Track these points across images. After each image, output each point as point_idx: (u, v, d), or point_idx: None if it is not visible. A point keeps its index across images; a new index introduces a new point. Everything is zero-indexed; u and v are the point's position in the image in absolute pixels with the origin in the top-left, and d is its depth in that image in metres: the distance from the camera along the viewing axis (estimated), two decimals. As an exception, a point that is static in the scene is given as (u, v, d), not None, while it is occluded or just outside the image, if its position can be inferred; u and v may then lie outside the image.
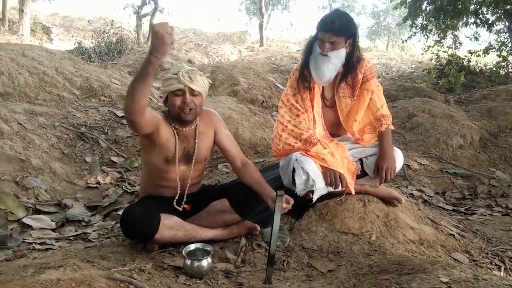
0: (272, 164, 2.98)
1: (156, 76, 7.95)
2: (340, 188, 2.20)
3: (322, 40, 2.18)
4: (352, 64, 2.27)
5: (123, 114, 4.41)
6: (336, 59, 2.20)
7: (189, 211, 2.17)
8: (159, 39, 1.65)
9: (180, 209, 2.18)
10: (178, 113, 2.01)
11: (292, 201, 1.92)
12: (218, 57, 13.51)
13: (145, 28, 16.20)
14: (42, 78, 4.53)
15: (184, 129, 2.10)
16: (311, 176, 2.09)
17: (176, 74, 1.95)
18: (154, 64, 1.72)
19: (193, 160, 2.15)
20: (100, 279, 1.54)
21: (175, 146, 2.08)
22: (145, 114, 1.86)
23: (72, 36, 16.63)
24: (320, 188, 2.15)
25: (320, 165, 2.16)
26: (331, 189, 2.20)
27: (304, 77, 2.30)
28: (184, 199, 2.19)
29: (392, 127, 2.37)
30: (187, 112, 2.00)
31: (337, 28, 2.13)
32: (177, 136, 2.08)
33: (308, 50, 2.30)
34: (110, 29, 12.43)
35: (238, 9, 30.83)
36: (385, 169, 2.26)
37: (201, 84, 2.01)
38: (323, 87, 2.37)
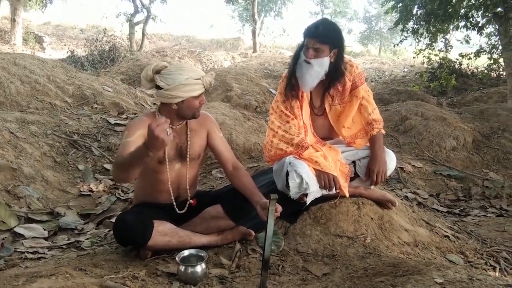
0: (266, 169, 2.97)
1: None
2: (334, 191, 2.20)
3: (307, 46, 2.20)
4: (337, 74, 2.27)
5: (116, 122, 4.40)
6: (319, 67, 2.20)
7: (183, 215, 2.16)
8: (159, 142, 1.60)
9: (181, 212, 2.15)
10: (193, 113, 2.05)
11: (280, 208, 1.87)
12: (211, 63, 13.54)
13: (138, 35, 16.23)
14: (34, 87, 4.51)
15: (176, 126, 2.10)
16: (304, 179, 2.09)
17: (200, 79, 1.97)
18: (151, 156, 1.69)
19: (188, 156, 2.13)
20: (92, 286, 1.53)
21: None
22: None
23: (65, 45, 16.64)
24: (314, 191, 2.14)
25: (314, 168, 2.16)
26: (325, 192, 2.19)
27: (291, 85, 2.31)
28: (189, 199, 2.19)
29: (383, 132, 2.38)
30: (200, 109, 2.07)
31: (321, 34, 2.15)
32: None
33: (295, 58, 2.31)
34: (103, 38, 12.44)
35: (231, 16, 31.04)
36: (376, 172, 2.27)
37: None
38: (311, 95, 2.38)
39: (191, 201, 2.19)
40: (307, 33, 2.20)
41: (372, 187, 2.42)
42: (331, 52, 2.20)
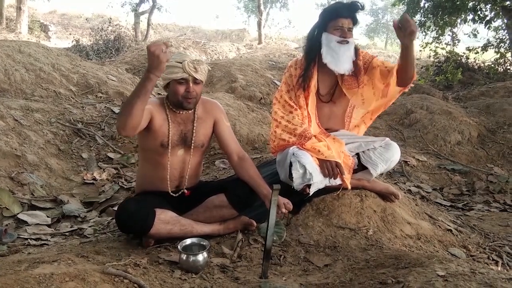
0: (269, 159, 2.96)
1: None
2: (337, 182, 2.19)
3: (340, 28, 2.17)
4: (356, 55, 2.26)
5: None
6: (353, 46, 2.21)
7: (186, 204, 2.16)
8: (155, 59, 1.70)
9: (176, 195, 2.17)
10: (180, 101, 2.03)
11: (290, 205, 1.95)
12: (216, 54, 13.46)
13: (143, 25, 16.16)
14: (38, 75, 4.51)
15: (182, 112, 2.11)
16: (308, 170, 2.08)
17: (181, 63, 1.95)
18: (153, 81, 1.77)
19: (192, 144, 2.14)
20: (94, 273, 1.53)
21: (168, 130, 2.08)
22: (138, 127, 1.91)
23: (70, 34, 16.58)
24: (317, 182, 2.14)
25: (317, 158, 2.15)
26: (327, 182, 2.18)
27: (306, 75, 2.27)
28: (184, 189, 2.19)
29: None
30: (190, 101, 2.03)
31: (354, 15, 2.18)
32: (170, 121, 2.09)
33: (316, 43, 2.25)
34: (108, 27, 12.40)
35: (237, 7, 30.85)
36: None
37: (204, 72, 2.03)
38: (318, 84, 2.35)
39: (185, 191, 2.19)
40: (341, 13, 2.17)
41: (374, 179, 2.41)
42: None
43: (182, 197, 2.19)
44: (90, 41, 12.37)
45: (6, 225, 2.43)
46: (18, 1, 15.34)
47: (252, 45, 16.98)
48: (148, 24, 15.77)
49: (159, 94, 5.59)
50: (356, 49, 2.27)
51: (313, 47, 2.27)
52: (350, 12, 2.16)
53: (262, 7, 18.10)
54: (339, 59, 2.20)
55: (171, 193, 2.16)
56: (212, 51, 13.58)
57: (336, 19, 2.18)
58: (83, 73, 5.01)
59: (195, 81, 2.00)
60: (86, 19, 19.81)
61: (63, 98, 4.40)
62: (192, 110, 2.13)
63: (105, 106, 4.47)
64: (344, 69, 2.24)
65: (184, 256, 1.83)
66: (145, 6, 15.95)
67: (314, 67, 2.29)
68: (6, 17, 16.19)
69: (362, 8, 2.17)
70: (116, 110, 4.39)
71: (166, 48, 1.72)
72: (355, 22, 2.20)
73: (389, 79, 2.23)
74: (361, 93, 2.34)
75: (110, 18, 13.71)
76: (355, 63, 2.26)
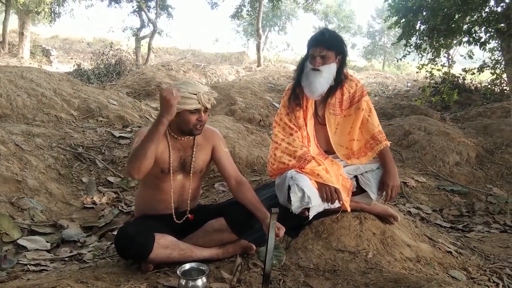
0: (268, 182, 2.98)
1: (154, 97, 8.03)
2: (336, 205, 2.20)
3: (313, 56, 2.24)
4: (340, 80, 2.31)
5: (120, 135, 4.43)
6: (327, 73, 2.24)
7: (185, 228, 2.16)
8: (166, 103, 1.87)
9: (180, 222, 2.17)
10: (190, 129, 2.07)
11: (283, 230, 1.96)
12: (216, 77, 13.63)
13: (144, 49, 16.42)
14: (40, 100, 4.57)
15: (183, 138, 2.14)
16: (306, 193, 2.09)
17: (196, 95, 2.00)
18: (165, 124, 1.92)
19: (191, 169, 2.16)
20: (93, 299, 1.53)
21: (169, 157, 2.10)
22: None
23: (72, 58, 16.85)
24: (316, 205, 2.14)
25: (316, 181, 2.17)
26: (326, 206, 2.19)
27: (295, 95, 2.34)
28: (188, 209, 2.20)
29: (388, 143, 2.38)
30: (199, 128, 2.08)
31: (327, 40, 2.21)
32: (171, 148, 2.11)
33: (300, 69, 2.35)
34: (109, 51, 12.61)
35: (236, 31, 31.40)
36: (391, 186, 2.26)
37: (213, 102, 2.10)
38: (315, 106, 2.39)
39: (189, 215, 2.21)
40: (312, 43, 2.25)
41: (374, 202, 2.42)
42: (336, 59, 2.25)
43: (185, 222, 2.20)
44: (92, 65, 12.56)
45: (6, 250, 2.43)
46: (20, 26, 15.64)
47: (251, 67, 17.20)
48: (149, 48, 16.04)
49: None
50: (346, 76, 2.33)
51: (299, 71, 2.36)
52: (319, 40, 2.22)
53: (261, 31, 18.42)
54: (310, 85, 2.27)
55: (176, 220, 2.17)
56: (212, 74, 13.75)
57: (311, 48, 2.27)
58: (84, 97, 5.08)
59: (205, 110, 2.07)
60: (88, 44, 20.12)
61: (64, 122, 4.45)
62: (192, 137, 2.17)
63: (106, 130, 4.51)
64: (314, 95, 2.31)
65: (183, 281, 1.82)
66: (146, 31, 16.27)
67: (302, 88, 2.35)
68: (8, 42, 16.46)
69: (328, 37, 2.21)
70: (117, 134, 4.43)
71: (177, 92, 1.89)
72: (330, 47, 2.22)
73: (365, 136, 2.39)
74: (339, 121, 2.38)
75: (111, 43, 13.94)
76: (341, 90, 2.33)
